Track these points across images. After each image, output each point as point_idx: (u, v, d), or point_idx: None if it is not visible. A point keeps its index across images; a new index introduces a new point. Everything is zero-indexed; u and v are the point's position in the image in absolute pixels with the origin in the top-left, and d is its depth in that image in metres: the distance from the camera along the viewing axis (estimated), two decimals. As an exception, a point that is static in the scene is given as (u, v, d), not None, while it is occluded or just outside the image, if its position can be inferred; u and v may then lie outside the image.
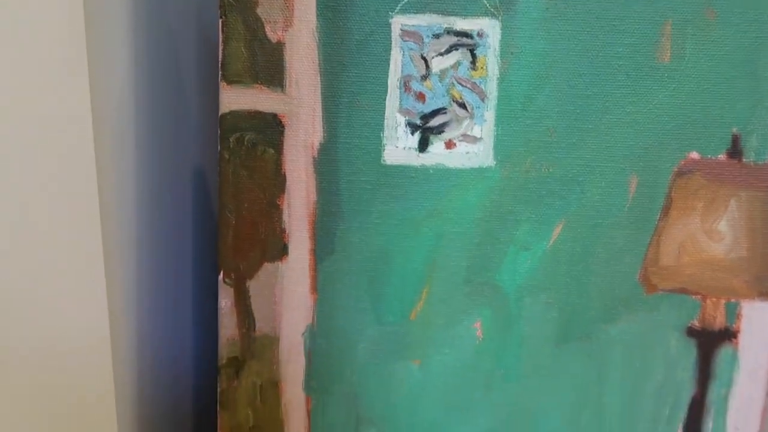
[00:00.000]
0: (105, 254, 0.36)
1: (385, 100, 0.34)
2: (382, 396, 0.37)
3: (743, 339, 0.35)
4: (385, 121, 0.34)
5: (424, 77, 0.34)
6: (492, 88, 0.34)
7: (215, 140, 0.52)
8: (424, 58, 0.34)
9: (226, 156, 0.35)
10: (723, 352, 0.35)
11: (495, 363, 0.36)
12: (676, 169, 0.34)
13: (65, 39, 0.31)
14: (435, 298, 0.36)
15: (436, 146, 0.35)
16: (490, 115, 0.34)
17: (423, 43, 0.33)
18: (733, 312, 0.35)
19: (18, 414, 0.34)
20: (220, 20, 0.34)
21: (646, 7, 0.33)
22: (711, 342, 0.35)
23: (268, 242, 0.36)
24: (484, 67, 0.34)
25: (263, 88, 0.34)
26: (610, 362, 0.36)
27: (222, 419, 0.38)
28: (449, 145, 0.35)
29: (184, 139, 0.48)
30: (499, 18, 0.33)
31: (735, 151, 0.34)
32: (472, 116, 0.34)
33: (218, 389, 0.38)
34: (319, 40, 0.34)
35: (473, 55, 0.33)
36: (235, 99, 0.34)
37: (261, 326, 0.37)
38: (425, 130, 0.34)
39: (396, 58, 0.34)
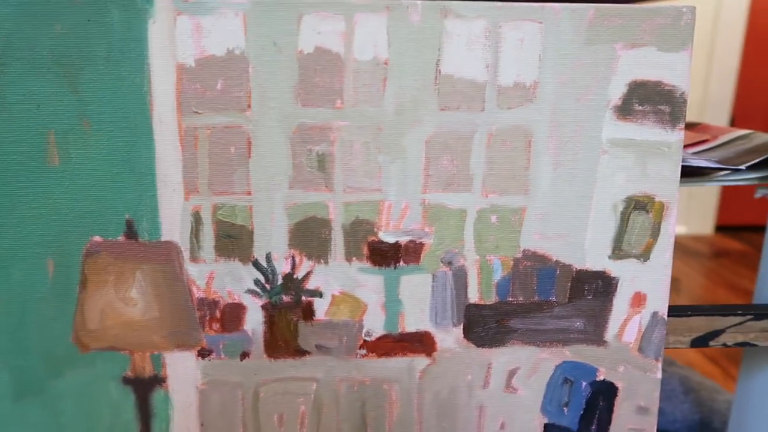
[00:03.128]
0: None
1: None
2: None
3: (171, 382, 0.43)
4: None
5: None
6: None
7: None
8: None
9: None
10: (157, 395, 0.43)
11: (-36, 421, 0.43)
12: (84, 251, 0.41)
13: None
14: None
15: None
16: None
17: None
18: (158, 361, 0.42)
19: None
20: None
21: (29, 121, 0.39)
22: (144, 387, 0.43)
23: None
24: None
25: None
26: (63, 411, 0.43)
27: None
28: None
29: None
30: None
31: (131, 233, 0.41)
32: None
33: None
34: None
35: None
36: None
37: None
38: None
39: None
